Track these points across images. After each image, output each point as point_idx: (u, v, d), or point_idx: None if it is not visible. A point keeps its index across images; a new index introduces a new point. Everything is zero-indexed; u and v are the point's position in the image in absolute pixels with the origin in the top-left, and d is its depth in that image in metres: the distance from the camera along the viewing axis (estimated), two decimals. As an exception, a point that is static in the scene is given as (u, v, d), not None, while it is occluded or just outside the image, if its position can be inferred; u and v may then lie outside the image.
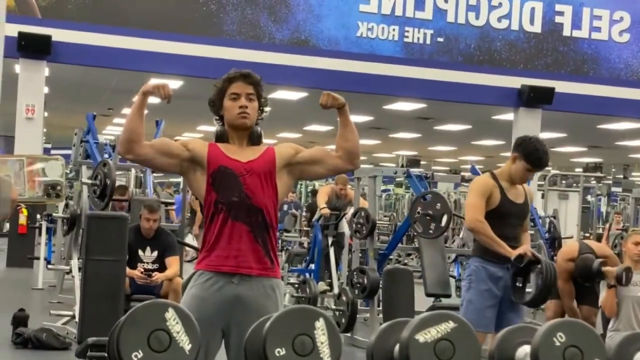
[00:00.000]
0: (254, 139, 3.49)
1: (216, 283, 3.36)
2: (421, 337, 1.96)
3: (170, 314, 1.84)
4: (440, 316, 2.00)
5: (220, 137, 3.51)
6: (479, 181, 5.06)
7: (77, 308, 7.39)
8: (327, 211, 10.03)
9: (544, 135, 15.44)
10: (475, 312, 4.80)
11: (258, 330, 1.99)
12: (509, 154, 5.16)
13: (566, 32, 14.32)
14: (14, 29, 11.44)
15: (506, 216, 4.88)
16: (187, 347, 1.86)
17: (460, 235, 12.71)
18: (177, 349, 1.85)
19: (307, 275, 9.81)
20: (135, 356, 1.82)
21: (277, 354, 1.90)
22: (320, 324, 1.92)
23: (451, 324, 1.99)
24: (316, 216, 10.78)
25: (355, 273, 8.03)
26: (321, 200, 10.36)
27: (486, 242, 4.85)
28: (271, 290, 3.39)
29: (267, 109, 3.54)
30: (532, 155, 4.85)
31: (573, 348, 2.04)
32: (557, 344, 2.03)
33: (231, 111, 3.44)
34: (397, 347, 2.07)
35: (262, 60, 12.65)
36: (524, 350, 2.14)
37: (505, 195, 4.90)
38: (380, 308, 7.95)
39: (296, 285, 9.63)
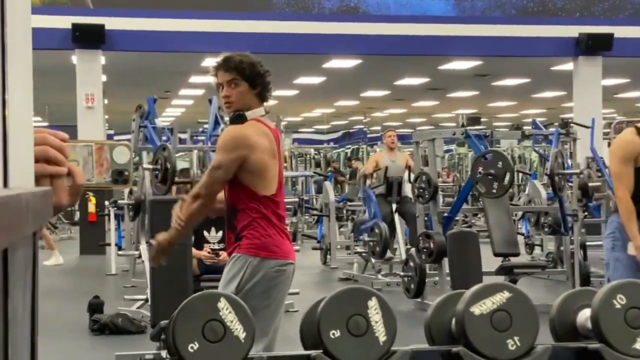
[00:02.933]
0: (231, 121, 3.55)
1: None
2: (477, 310, 1.93)
3: (222, 304, 1.84)
4: (495, 287, 1.97)
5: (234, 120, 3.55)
6: (621, 144, 4.60)
7: (149, 291, 7.52)
8: (367, 168, 10.34)
9: (606, 82, 15.07)
10: (625, 269, 4.60)
11: (312, 312, 1.99)
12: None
13: (622, -26, 13.98)
14: (67, 21, 11.59)
15: None
16: (241, 335, 1.85)
17: (526, 192, 12.54)
18: (232, 338, 1.85)
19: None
20: (192, 347, 1.83)
21: (332, 336, 1.89)
22: (373, 303, 1.90)
23: (506, 294, 1.95)
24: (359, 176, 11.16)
25: (420, 238, 7.99)
26: (368, 166, 10.62)
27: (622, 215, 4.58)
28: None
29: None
30: None
31: (635, 309, 1.99)
32: (618, 306, 1.98)
33: (221, 101, 3.58)
34: (453, 320, 2.04)
35: (313, 30, 12.61)
36: (585, 314, 2.09)
37: None
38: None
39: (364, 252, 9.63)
